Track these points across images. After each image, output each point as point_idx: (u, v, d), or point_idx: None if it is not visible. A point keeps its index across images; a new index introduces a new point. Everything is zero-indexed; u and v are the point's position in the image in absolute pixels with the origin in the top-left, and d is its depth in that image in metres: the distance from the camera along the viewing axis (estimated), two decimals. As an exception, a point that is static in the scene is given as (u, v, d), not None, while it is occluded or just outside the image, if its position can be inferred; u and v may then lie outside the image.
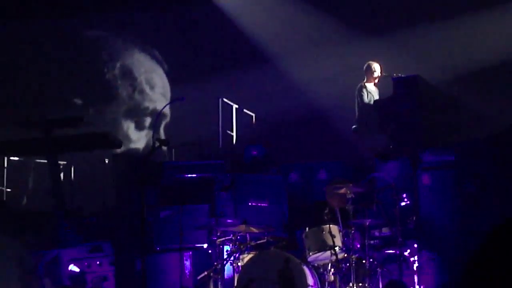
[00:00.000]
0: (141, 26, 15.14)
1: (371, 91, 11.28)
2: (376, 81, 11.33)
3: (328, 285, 8.09)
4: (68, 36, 15.12)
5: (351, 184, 8.40)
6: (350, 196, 8.34)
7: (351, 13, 13.56)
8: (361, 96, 11.21)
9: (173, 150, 12.76)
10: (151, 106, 15.14)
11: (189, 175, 10.60)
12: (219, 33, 14.56)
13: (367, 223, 8.26)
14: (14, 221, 10.25)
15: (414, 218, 8.81)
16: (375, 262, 8.28)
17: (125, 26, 15.17)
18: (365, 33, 13.22)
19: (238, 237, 8.43)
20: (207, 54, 14.66)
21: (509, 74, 11.99)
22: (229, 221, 8.76)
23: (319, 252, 8.17)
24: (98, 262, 9.53)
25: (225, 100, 12.66)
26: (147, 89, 15.22)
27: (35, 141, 11.61)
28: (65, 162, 12.92)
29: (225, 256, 8.51)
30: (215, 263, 8.39)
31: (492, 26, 12.32)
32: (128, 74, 15.23)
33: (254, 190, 10.15)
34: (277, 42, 13.95)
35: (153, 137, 11.89)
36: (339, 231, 8.26)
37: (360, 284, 8.04)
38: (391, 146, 10.58)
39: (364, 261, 8.18)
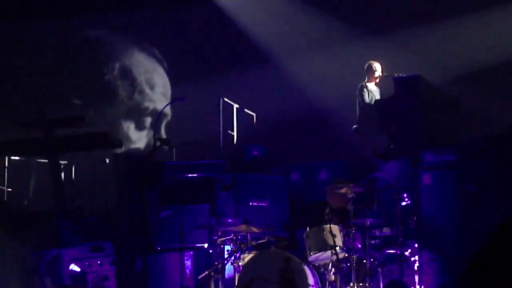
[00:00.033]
0: (142, 26, 15.14)
1: (372, 91, 11.29)
2: (377, 80, 11.34)
3: (328, 285, 8.09)
4: (68, 36, 15.12)
5: (351, 184, 8.41)
6: (350, 196, 8.35)
7: (352, 13, 13.56)
8: (362, 96, 11.22)
9: (174, 150, 12.76)
10: (151, 106, 15.14)
11: (190, 175, 10.61)
12: (220, 32, 14.56)
13: (368, 223, 8.27)
14: (15, 221, 10.26)
15: (415, 218, 8.81)
16: (376, 262, 8.28)
17: (125, 26, 15.17)
18: (366, 33, 13.22)
19: (239, 237, 8.43)
20: (208, 53, 14.66)
21: (509, 74, 11.99)
22: (229, 220, 8.77)
23: (319, 252, 8.17)
24: (99, 262, 9.54)
25: (226, 100, 12.66)
26: (146, 89, 15.22)
27: (36, 141, 11.62)
28: (65, 162, 12.93)
29: (226, 256, 8.52)
30: (216, 263, 8.40)
31: (492, 26, 12.32)
32: (127, 74, 15.22)
33: (254, 190, 10.15)
34: (278, 42, 13.95)
35: (154, 136, 11.88)
36: (340, 230, 8.26)
37: (361, 284, 8.05)
38: (391, 146, 10.59)
39: (364, 261, 8.19)
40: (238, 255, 8.35)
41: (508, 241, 3.15)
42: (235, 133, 12.77)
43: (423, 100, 10.85)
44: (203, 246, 9.67)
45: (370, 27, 13.26)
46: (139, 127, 15.12)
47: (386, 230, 8.59)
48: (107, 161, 12.81)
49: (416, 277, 8.49)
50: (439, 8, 12.81)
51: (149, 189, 10.08)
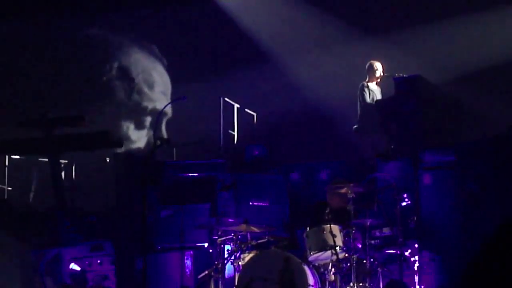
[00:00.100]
0: (142, 26, 15.14)
1: (373, 90, 11.30)
2: (379, 80, 11.35)
3: (328, 285, 8.09)
4: (68, 36, 15.12)
5: (352, 184, 8.40)
6: (351, 196, 8.35)
7: (352, 13, 13.56)
8: (363, 95, 11.23)
9: (174, 149, 12.77)
10: (150, 105, 15.14)
11: (190, 175, 10.61)
12: (220, 32, 14.57)
13: (368, 223, 8.26)
14: (15, 220, 10.26)
15: (415, 218, 8.81)
16: (376, 262, 8.28)
17: (125, 25, 15.17)
18: (366, 33, 13.22)
19: (239, 237, 8.43)
20: (209, 53, 14.66)
21: (509, 74, 11.99)
22: (230, 220, 8.77)
23: (319, 251, 8.17)
24: (99, 261, 9.54)
25: (226, 99, 12.67)
26: (145, 88, 15.21)
27: (36, 140, 11.62)
28: (66, 161, 12.94)
29: (226, 256, 8.52)
30: (216, 263, 8.40)
31: (492, 26, 12.33)
32: (125, 75, 15.22)
33: (255, 189, 10.16)
34: (279, 42, 13.95)
35: (154, 136, 11.89)
36: (340, 230, 8.27)
37: (361, 284, 8.05)
38: (392, 146, 10.59)
39: (364, 261, 8.18)
40: (238, 254, 8.35)
41: (508, 241, 3.15)
42: (235, 133, 12.78)
43: (424, 100, 10.86)
44: (203, 245, 9.68)
45: (370, 27, 13.27)
46: (139, 126, 15.12)
47: (386, 230, 8.58)
48: (108, 161, 12.81)
49: (416, 277, 8.49)
50: (439, 8, 12.81)
51: (150, 188, 10.08)
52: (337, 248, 8.07)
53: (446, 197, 9.54)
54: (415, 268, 8.52)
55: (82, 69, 15.04)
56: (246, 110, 13.12)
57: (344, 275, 8.16)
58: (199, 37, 14.76)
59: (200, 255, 9.60)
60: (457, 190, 9.49)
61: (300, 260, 8.01)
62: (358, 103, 11.33)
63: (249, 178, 10.30)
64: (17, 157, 13.14)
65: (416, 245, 8.61)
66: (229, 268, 8.58)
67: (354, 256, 8.08)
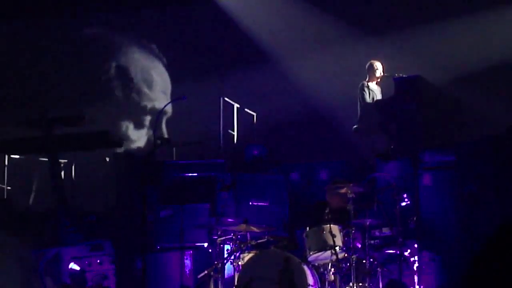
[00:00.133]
0: (142, 25, 15.13)
1: (373, 90, 11.30)
2: (379, 80, 11.35)
3: (328, 285, 8.09)
4: (67, 35, 15.12)
5: (351, 184, 8.40)
6: (350, 196, 8.34)
7: (352, 13, 13.56)
8: (363, 95, 11.23)
9: (174, 149, 12.76)
10: (149, 105, 15.13)
11: (190, 174, 10.61)
12: (220, 32, 14.56)
13: (368, 223, 8.26)
14: (15, 219, 10.26)
15: (415, 218, 8.81)
16: (375, 262, 8.28)
17: (125, 25, 15.16)
18: (366, 33, 13.22)
19: (239, 236, 8.44)
20: (209, 53, 14.66)
21: (509, 74, 11.99)
22: (229, 220, 8.77)
23: (319, 251, 8.17)
24: (98, 261, 9.53)
25: (226, 99, 12.66)
26: (144, 88, 15.20)
27: (36, 140, 11.61)
28: (65, 161, 12.93)
29: (225, 255, 8.52)
30: (216, 262, 8.40)
31: (492, 26, 12.33)
32: (124, 74, 15.21)
33: (255, 189, 10.16)
34: (279, 42, 13.95)
35: (154, 136, 11.89)
36: (340, 230, 8.26)
37: (360, 284, 8.04)
38: (392, 146, 10.59)
39: (364, 261, 8.18)
40: (237, 254, 8.35)
41: (508, 241, 3.15)
42: (235, 133, 12.77)
43: (424, 100, 10.86)
44: (203, 245, 9.68)
45: (370, 27, 13.26)
46: (138, 125, 15.11)
47: (385, 230, 8.58)
48: (107, 160, 12.81)
49: (416, 277, 8.49)
50: (439, 8, 12.81)
51: (149, 188, 10.09)
52: (337, 248, 8.07)
53: (446, 197, 9.55)
54: (415, 268, 8.52)
55: (82, 69, 15.03)
56: (246, 110, 13.12)
57: (343, 275, 8.16)
58: (199, 37, 14.75)
59: (200, 255, 9.60)
60: (457, 190, 9.49)
61: (299, 260, 8.01)
62: (358, 102, 11.33)
63: (249, 178, 10.30)
64: (17, 156, 13.13)
65: (416, 245, 8.62)
66: (228, 268, 8.58)
67: (354, 256, 8.07)
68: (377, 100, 11.23)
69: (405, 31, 12.87)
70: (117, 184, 11.08)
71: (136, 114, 15.10)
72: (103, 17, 15.12)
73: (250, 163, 11.32)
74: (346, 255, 8.16)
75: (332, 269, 8.10)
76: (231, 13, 14.19)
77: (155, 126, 12.50)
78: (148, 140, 14.84)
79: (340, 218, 8.48)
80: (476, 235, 8.79)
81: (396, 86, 10.94)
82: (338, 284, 8.07)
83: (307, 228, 8.33)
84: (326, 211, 8.79)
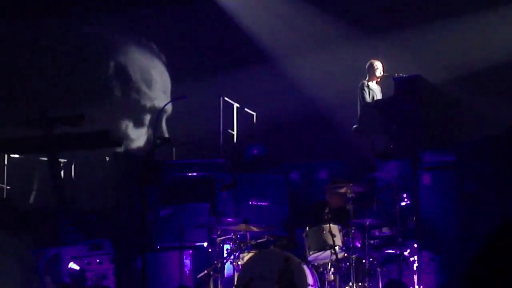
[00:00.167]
0: (142, 25, 15.13)
1: (373, 89, 11.30)
2: (379, 79, 11.35)
3: (328, 285, 8.09)
4: (67, 35, 15.11)
5: (351, 184, 8.40)
6: (350, 196, 8.34)
7: (352, 12, 13.56)
8: (363, 94, 11.24)
9: (174, 148, 12.76)
10: (149, 104, 15.13)
11: (190, 174, 10.61)
12: (220, 31, 14.56)
13: (367, 223, 8.26)
14: (14, 219, 10.25)
15: (414, 218, 8.82)
16: (375, 262, 8.28)
17: (125, 25, 15.16)
18: (366, 33, 13.22)
19: (238, 236, 8.44)
20: (209, 52, 14.66)
21: (509, 74, 11.99)
22: (229, 220, 8.77)
23: (319, 251, 8.17)
24: (98, 260, 9.54)
25: (226, 98, 12.65)
26: (143, 87, 15.20)
27: (36, 139, 11.62)
28: (65, 160, 12.93)
29: (225, 255, 8.52)
30: (215, 262, 8.40)
31: (492, 26, 12.33)
32: (123, 74, 15.21)
33: (254, 189, 10.16)
34: (279, 41, 13.96)
35: (154, 135, 11.89)
36: (339, 230, 8.26)
37: (360, 284, 8.05)
38: (391, 146, 10.59)
39: (364, 261, 8.18)
40: (237, 254, 8.35)
41: (508, 241, 3.15)
42: (235, 132, 12.77)
43: (423, 100, 10.86)
44: (203, 245, 9.67)
45: (370, 27, 13.26)
46: (138, 124, 15.11)
47: (385, 230, 8.58)
48: (107, 160, 12.81)
49: (415, 277, 8.49)
50: (439, 8, 12.81)
51: (149, 187, 10.08)
52: (337, 247, 8.07)
53: (445, 197, 9.54)
54: (414, 268, 8.52)
55: (82, 68, 15.03)
56: (245, 109, 13.11)
57: (343, 274, 8.16)
58: (199, 37, 14.76)
59: (200, 255, 9.60)
60: (456, 190, 9.49)
61: (299, 260, 8.01)
62: (358, 102, 11.33)
63: (248, 178, 10.30)
64: (17, 156, 13.13)
65: (416, 245, 8.62)
66: (228, 267, 8.58)
67: (354, 255, 8.07)
68: (377, 100, 11.23)
69: (405, 31, 12.87)
70: (117, 184, 11.08)
71: (136, 113, 15.10)
72: (103, 17, 15.12)
73: (250, 162, 11.32)
74: (345, 254, 8.16)
75: (332, 269, 8.10)
76: (231, 13, 14.19)
77: (155, 125, 12.50)
78: (148, 139, 14.84)
79: (340, 218, 8.48)
80: (476, 235, 8.79)
81: (396, 86, 10.94)
82: (337, 284, 8.07)
83: (307, 228, 8.33)
84: (326, 211, 8.79)
